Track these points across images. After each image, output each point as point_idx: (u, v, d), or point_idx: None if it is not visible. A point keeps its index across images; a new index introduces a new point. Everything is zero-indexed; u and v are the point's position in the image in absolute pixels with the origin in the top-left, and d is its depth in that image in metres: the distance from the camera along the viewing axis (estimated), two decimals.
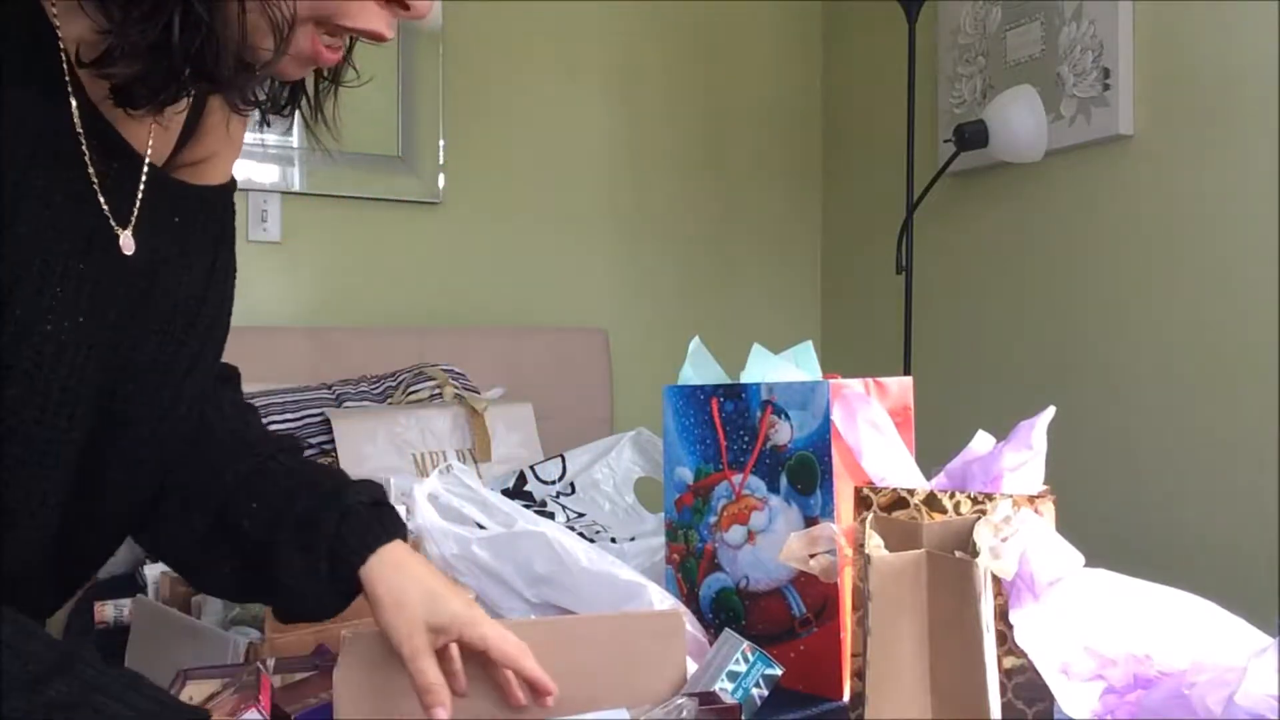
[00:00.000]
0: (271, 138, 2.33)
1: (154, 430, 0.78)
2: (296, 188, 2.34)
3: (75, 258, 0.69)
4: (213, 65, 0.65)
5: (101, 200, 0.71)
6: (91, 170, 0.70)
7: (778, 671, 0.83)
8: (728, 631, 0.85)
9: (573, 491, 1.37)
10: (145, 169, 0.75)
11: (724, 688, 0.80)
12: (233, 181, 0.87)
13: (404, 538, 0.80)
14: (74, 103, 0.69)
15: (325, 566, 0.77)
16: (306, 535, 0.78)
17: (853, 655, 0.77)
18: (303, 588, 0.77)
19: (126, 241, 0.72)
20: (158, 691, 0.65)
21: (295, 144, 2.35)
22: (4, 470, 0.67)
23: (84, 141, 0.70)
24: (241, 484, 0.83)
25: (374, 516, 0.79)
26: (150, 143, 0.76)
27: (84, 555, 0.81)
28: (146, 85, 0.66)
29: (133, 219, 0.74)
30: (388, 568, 0.76)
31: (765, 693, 0.82)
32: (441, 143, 2.52)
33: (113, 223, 0.72)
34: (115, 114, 0.71)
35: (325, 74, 0.80)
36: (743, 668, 0.81)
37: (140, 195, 0.74)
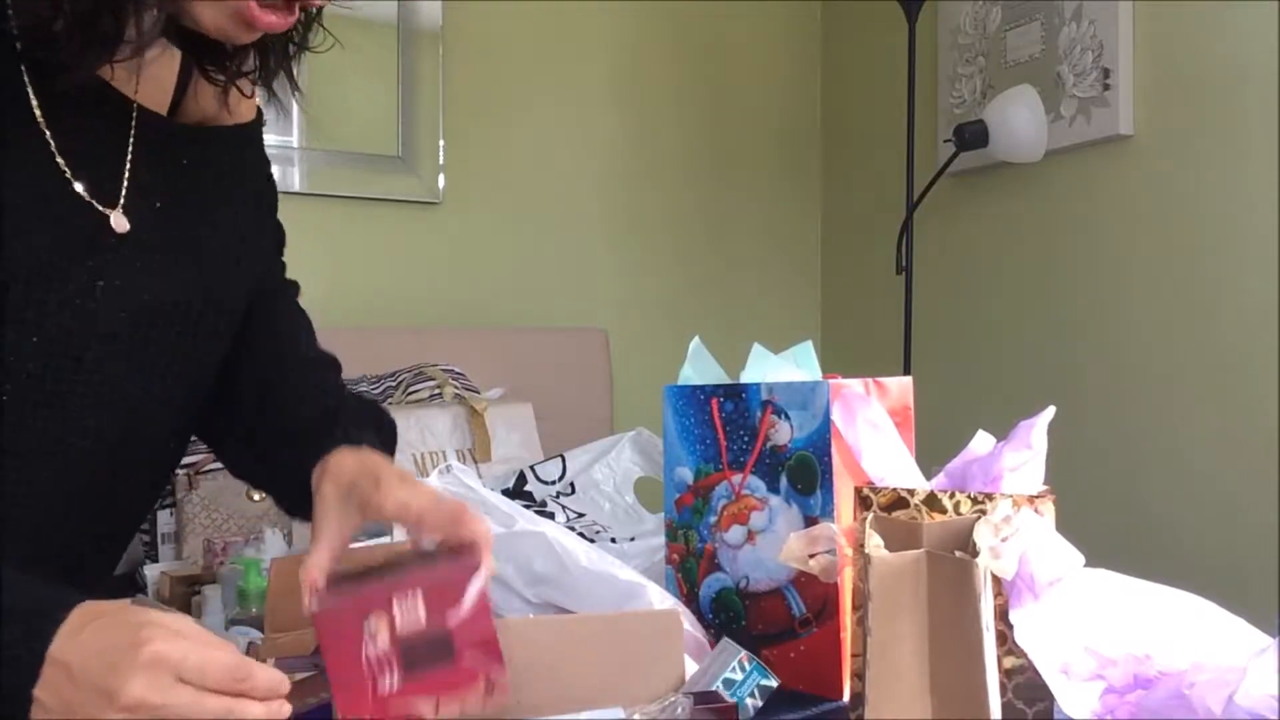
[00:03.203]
0: (271, 138, 2.32)
1: (188, 369, 0.81)
2: (296, 188, 2.34)
3: (37, 214, 0.69)
4: (106, 27, 0.65)
5: (61, 164, 0.71)
6: (56, 153, 0.70)
7: (773, 683, 0.83)
8: (726, 640, 0.85)
9: (573, 491, 1.37)
10: (134, 115, 0.74)
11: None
12: (254, 122, 0.88)
13: (387, 451, 0.82)
14: (26, 77, 0.69)
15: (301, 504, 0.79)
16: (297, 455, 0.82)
17: (853, 655, 0.77)
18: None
19: (119, 220, 0.73)
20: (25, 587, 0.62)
21: (295, 144, 2.35)
22: (13, 411, 0.70)
23: (43, 121, 0.70)
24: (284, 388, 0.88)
25: (352, 441, 0.80)
26: (135, 89, 0.75)
27: (119, 503, 0.83)
28: (32, 39, 0.67)
29: (123, 188, 0.74)
30: (344, 457, 0.76)
31: (760, 704, 0.82)
32: (441, 143, 2.52)
33: (82, 192, 0.72)
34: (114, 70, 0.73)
35: (294, 38, 0.80)
36: (739, 676, 0.81)
37: (131, 147, 0.74)
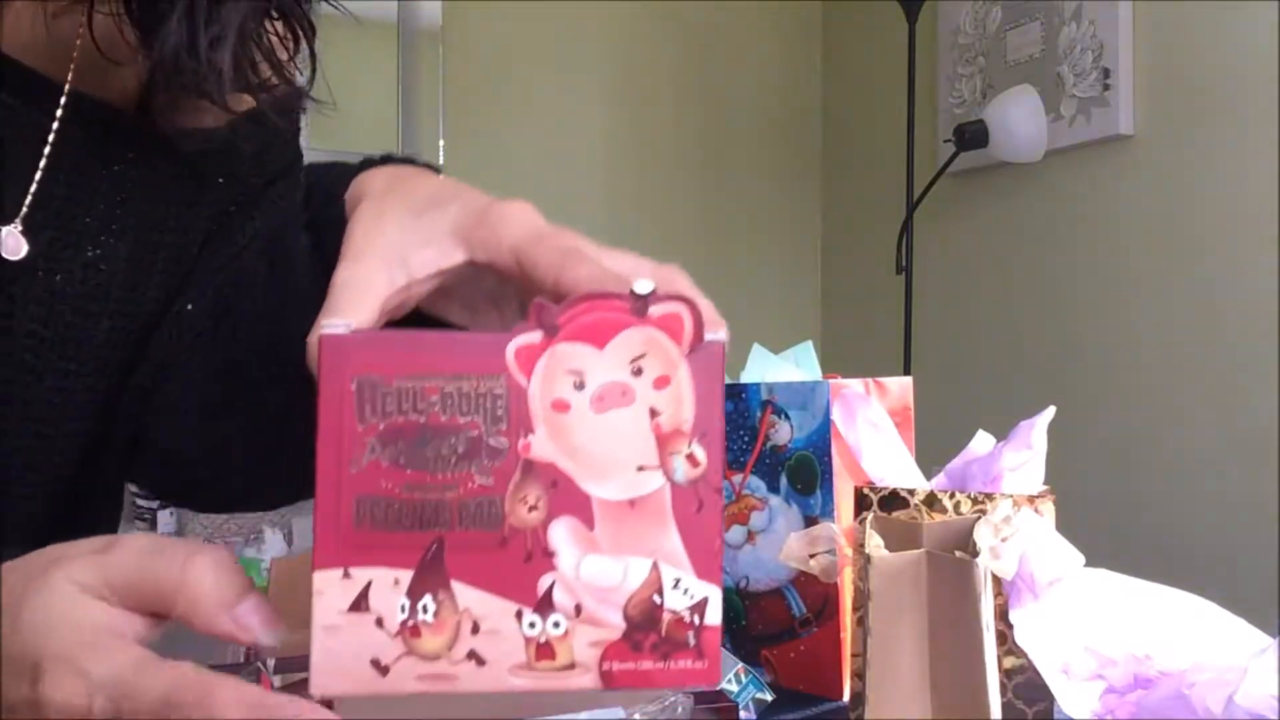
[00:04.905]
0: None
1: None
2: None
3: None
4: None
5: None
6: None
7: (769, 697, 0.83)
8: (723, 651, 0.85)
9: None
10: (61, 105, 0.54)
11: None
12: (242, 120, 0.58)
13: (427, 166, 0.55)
14: None
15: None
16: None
17: (853, 655, 0.77)
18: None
19: (11, 243, 0.54)
20: None
21: None
22: None
23: None
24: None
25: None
26: (70, 72, 0.54)
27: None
28: None
29: (26, 202, 0.54)
30: (371, 196, 0.49)
31: (753, 716, 0.82)
32: (441, 143, 2.52)
33: None
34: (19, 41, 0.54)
35: None
36: (735, 688, 0.81)
37: (50, 148, 0.54)
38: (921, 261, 2.55)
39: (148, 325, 0.60)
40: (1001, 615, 0.74)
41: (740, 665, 0.82)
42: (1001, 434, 0.82)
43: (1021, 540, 0.72)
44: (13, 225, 0.53)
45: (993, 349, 2.54)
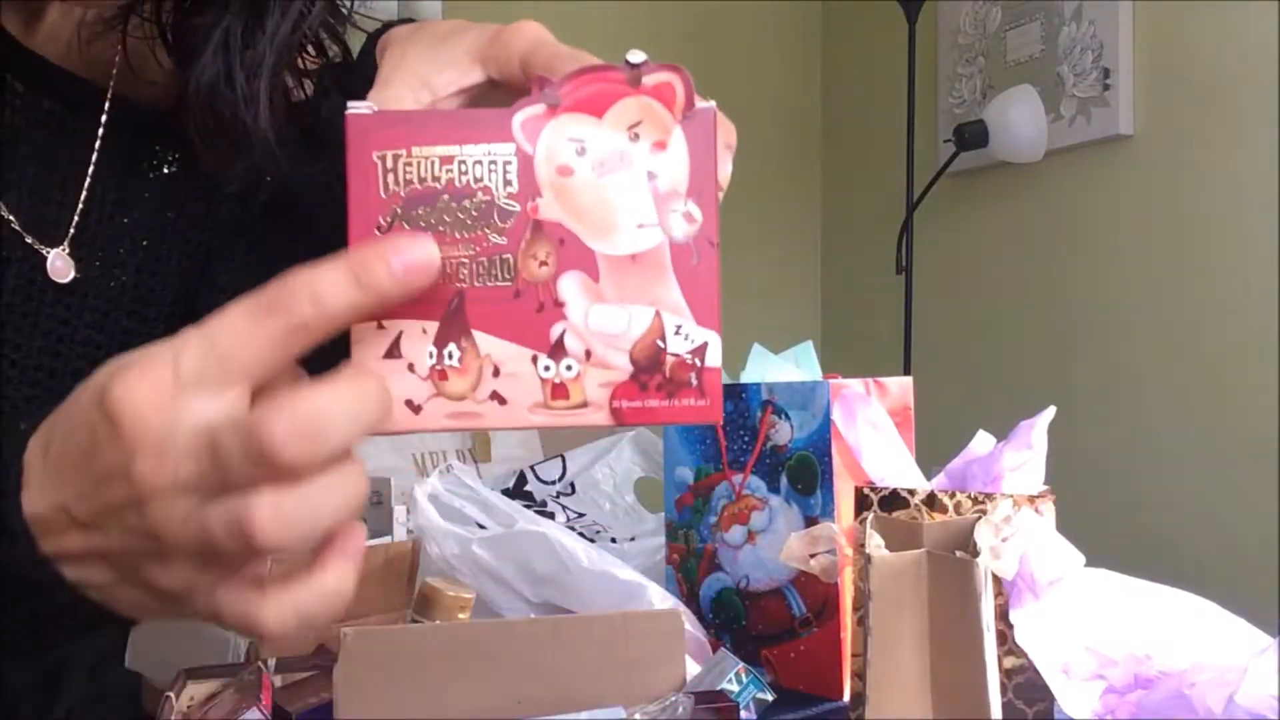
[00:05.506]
0: None
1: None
2: None
3: None
4: None
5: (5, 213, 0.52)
6: None
7: (769, 697, 0.83)
8: (724, 650, 0.85)
9: (573, 492, 1.37)
10: (105, 111, 0.54)
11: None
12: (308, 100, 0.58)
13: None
14: None
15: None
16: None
17: (853, 655, 0.77)
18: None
19: (59, 265, 0.53)
20: None
21: None
22: None
23: None
24: None
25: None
26: (113, 73, 0.55)
27: None
28: None
29: (74, 222, 0.54)
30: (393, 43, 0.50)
31: (754, 716, 0.82)
32: None
33: (31, 240, 0.52)
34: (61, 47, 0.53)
35: None
36: (735, 688, 0.81)
37: (95, 159, 0.54)
38: (921, 261, 2.55)
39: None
40: (1001, 615, 0.74)
41: (740, 665, 0.82)
42: (1001, 434, 0.82)
43: (1021, 540, 0.72)
44: (60, 248, 0.53)
45: (993, 349, 2.54)
